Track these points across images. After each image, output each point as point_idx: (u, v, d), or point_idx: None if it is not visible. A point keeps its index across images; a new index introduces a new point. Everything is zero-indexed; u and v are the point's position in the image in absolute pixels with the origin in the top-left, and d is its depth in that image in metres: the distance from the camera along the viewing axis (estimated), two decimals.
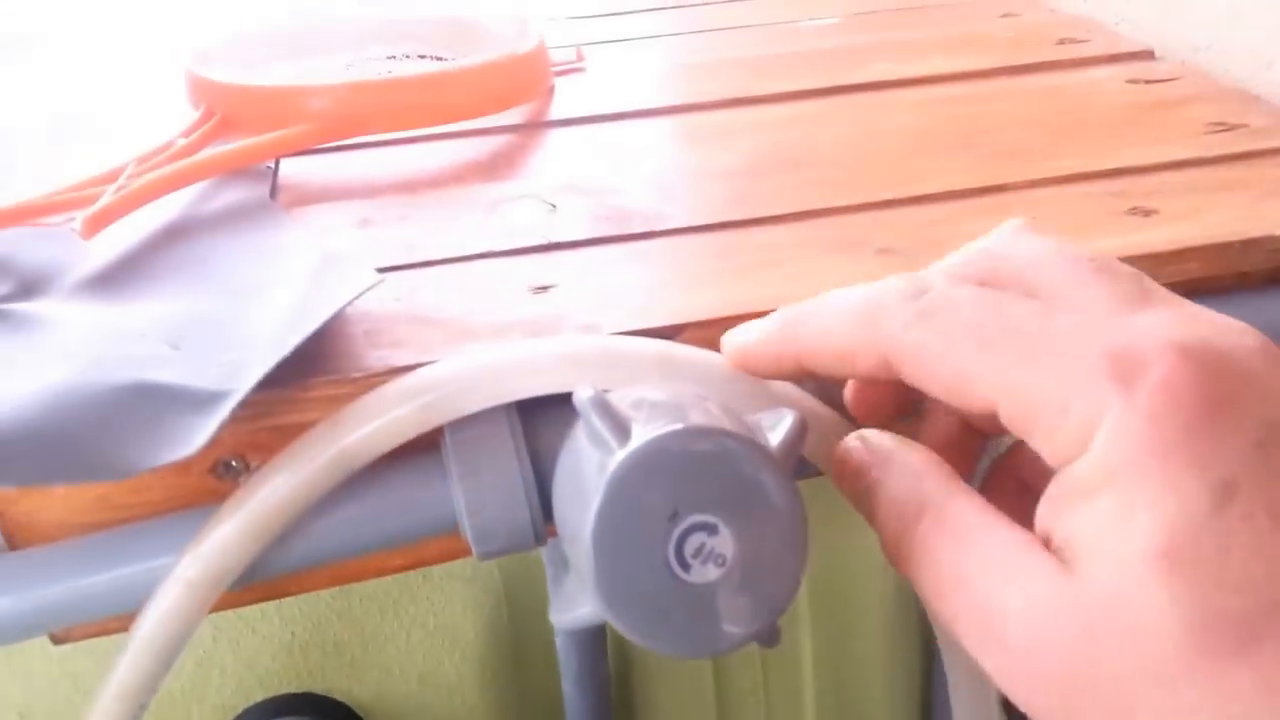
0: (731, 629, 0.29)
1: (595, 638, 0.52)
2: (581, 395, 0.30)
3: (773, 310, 0.33)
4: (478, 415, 0.36)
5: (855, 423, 0.35)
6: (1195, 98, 0.56)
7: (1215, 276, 0.43)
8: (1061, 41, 0.65)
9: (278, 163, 0.52)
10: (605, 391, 0.30)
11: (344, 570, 0.41)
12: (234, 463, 0.39)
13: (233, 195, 0.49)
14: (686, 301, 0.40)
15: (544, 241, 0.45)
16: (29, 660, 0.50)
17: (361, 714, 0.52)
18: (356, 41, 0.60)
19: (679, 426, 0.28)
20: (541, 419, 0.37)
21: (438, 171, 0.52)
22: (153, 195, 0.45)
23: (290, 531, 0.36)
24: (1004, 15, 0.71)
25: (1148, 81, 0.58)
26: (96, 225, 0.43)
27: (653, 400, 0.31)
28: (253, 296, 0.40)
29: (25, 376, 0.35)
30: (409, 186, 0.50)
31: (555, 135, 0.56)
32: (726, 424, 0.29)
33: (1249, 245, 0.43)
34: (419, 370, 0.35)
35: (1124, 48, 0.63)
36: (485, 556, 0.38)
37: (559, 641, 0.52)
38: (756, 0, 0.77)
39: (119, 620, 0.38)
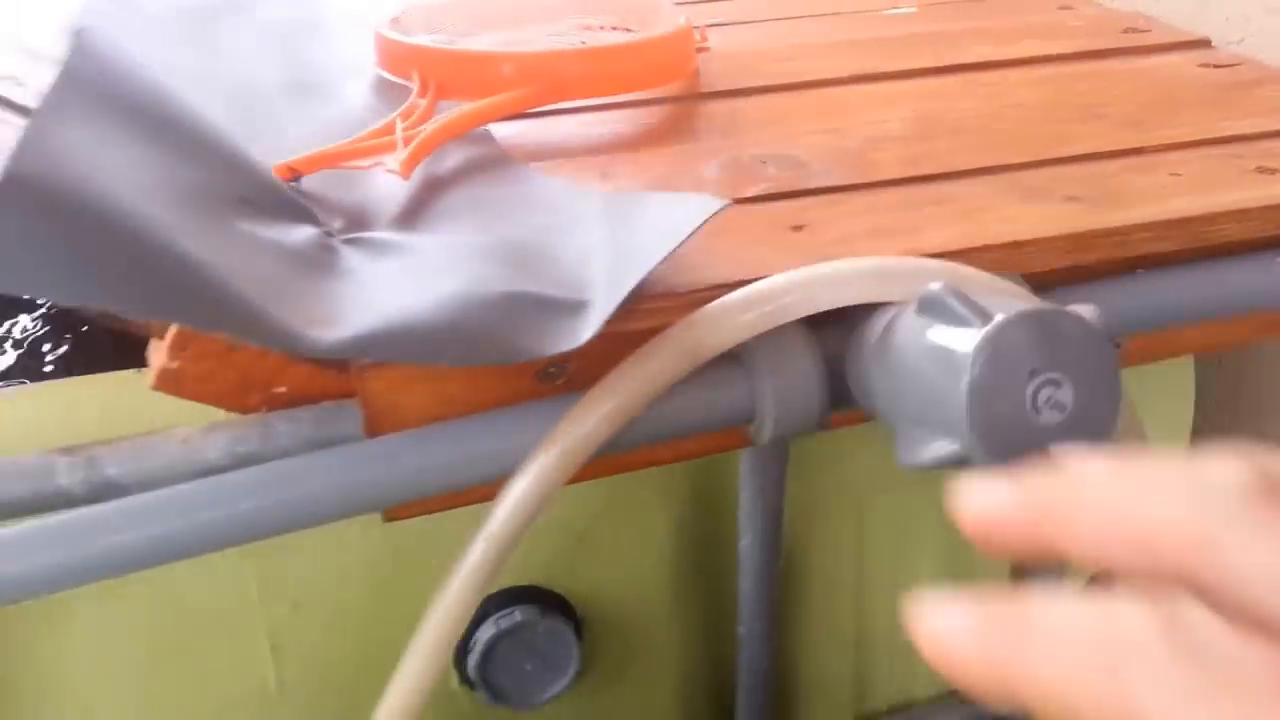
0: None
1: (772, 542, 0.61)
2: (936, 289, 0.39)
3: (1006, 243, 0.42)
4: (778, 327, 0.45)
5: None
6: (1262, 80, 0.67)
7: None
8: (1126, 30, 0.75)
9: None
10: None
11: (632, 459, 0.49)
12: (552, 369, 0.47)
13: (472, 152, 0.57)
14: (919, 241, 0.49)
15: (785, 190, 0.53)
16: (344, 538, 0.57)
17: (576, 605, 0.61)
18: (550, 13, 0.67)
19: (1032, 306, 0.38)
20: (826, 330, 0.46)
21: (635, 135, 0.61)
22: (442, 140, 0.54)
23: (640, 414, 0.44)
24: (1061, 8, 0.81)
25: (1216, 66, 0.69)
26: (411, 165, 0.51)
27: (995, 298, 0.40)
28: (565, 229, 0.49)
29: (417, 287, 0.43)
30: (623, 146, 0.59)
31: (718, 105, 0.65)
32: (1068, 307, 0.39)
33: None
34: (759, 283, 0.43)
35: (1182, 37, 0.74)
36: (775, 440, 0.47)
37: (741, 544, 0.61)
38: None
39: (449, 499, 0.46)
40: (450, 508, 0.48)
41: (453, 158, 0.56)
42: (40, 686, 0.56)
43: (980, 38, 0.74)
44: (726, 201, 0.46)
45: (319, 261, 0.45)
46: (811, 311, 0.44)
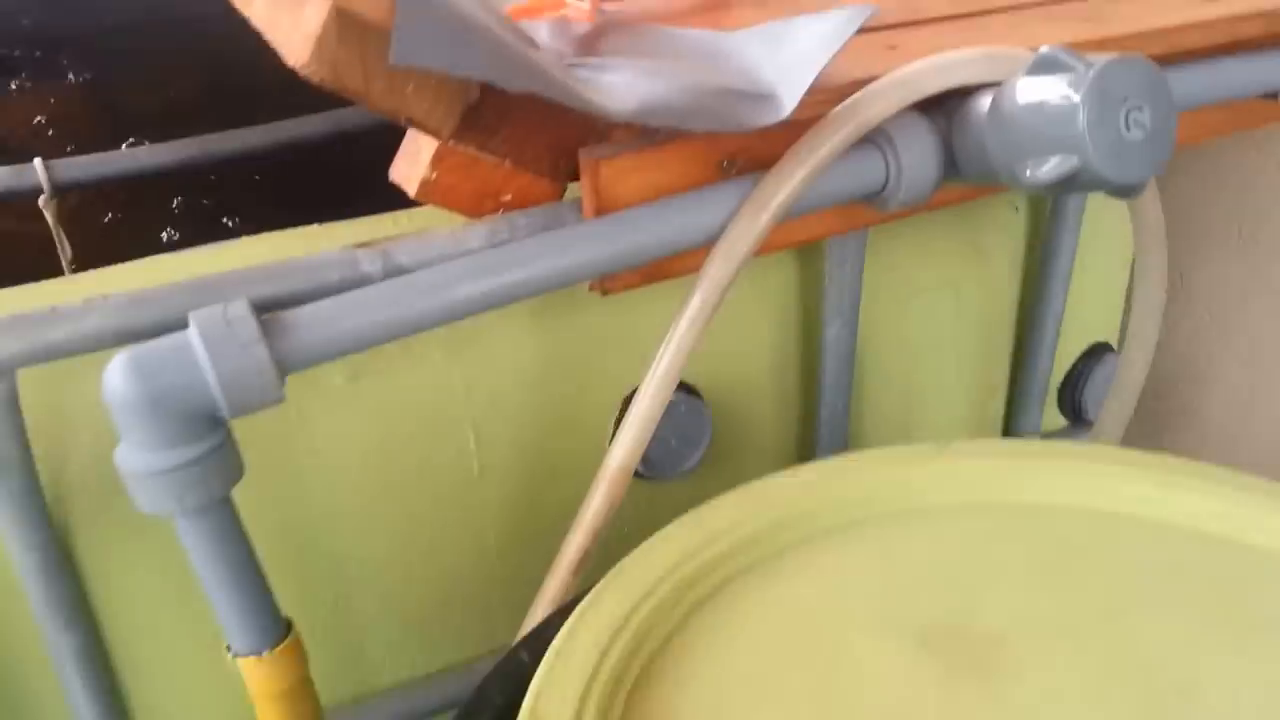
0: (1147, 171, 0.56)
1: (851, 330, 0.77)
2: (1047, 49, 0.56)
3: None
4: (898, 115, 0.61)
5: None
6: None
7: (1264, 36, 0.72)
8: None
9: None
10: None
11: (796, 237, 0.65)
12: (727, 163, 0.63)
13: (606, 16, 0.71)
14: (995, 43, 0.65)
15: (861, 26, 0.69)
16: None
17: (701, 389, 0.76)
18: None
19: (1119, 55, 0.55)
20: (937, 116, 0.62)
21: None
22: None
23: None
24: None
25: None
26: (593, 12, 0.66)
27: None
28: (724, 52, 0.64)
29: (652, 83, 0.58)
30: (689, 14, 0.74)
31: None
32: (1144, 58, 0.56)
33: None
34: (895, 71, 0.59)
35: None
36: (901, 206, 0.63)
37: (828, 333, 0.77)
38: None
39: (654, 270, 0.62)
40: (652, 280, 0.63)
41: (611, 28, 0.70)
42: (293, 477, 0.69)
43: None
44: (874, 8, 0.62)
45: (568, 73, 0.60)
46: (941, 88, 0.60)
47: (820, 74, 0.59)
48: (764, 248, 0.63)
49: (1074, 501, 0.54)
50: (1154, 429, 1.16)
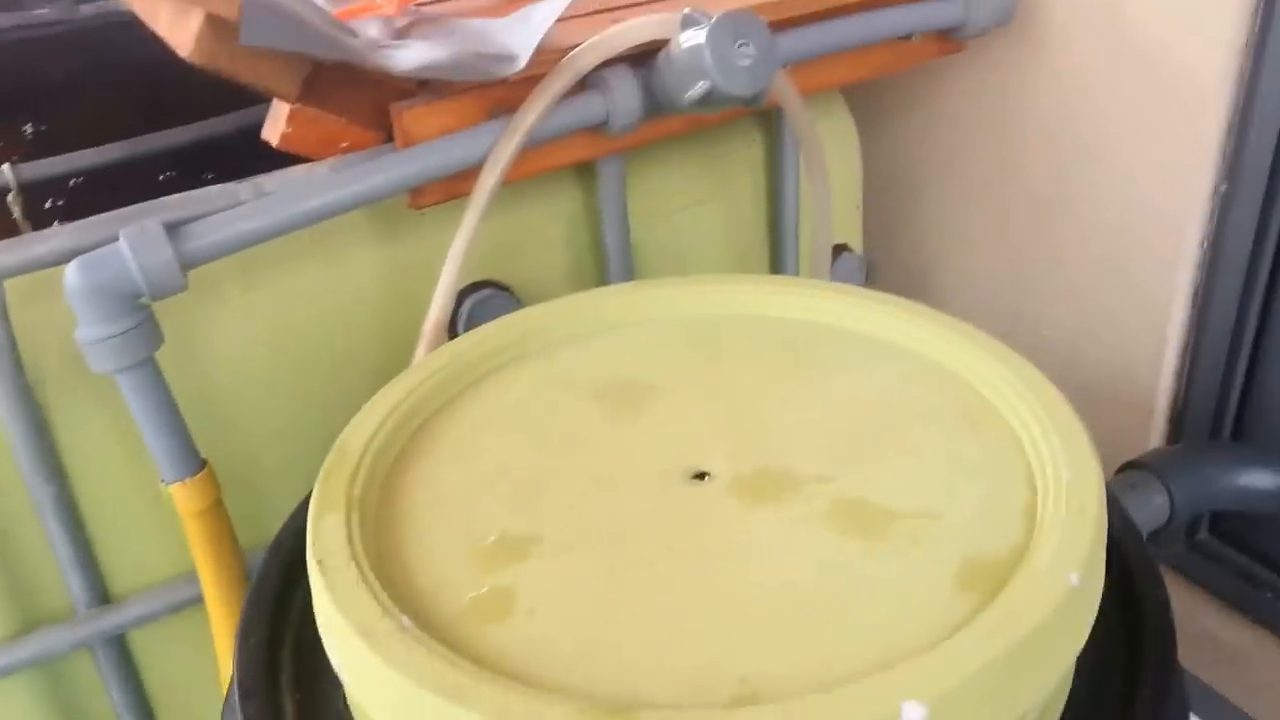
0: (758, 85, 0.84)
1: (622, 240, 1.05)
2: (687, 10, 0.84)
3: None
4: (607, 66, 0.89)
5: None
6: None
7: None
8: None
9: None
10: None
11: (544, 163, 0.93)
12: (494, 109, 0.90)
13: (412, 17, 0.99)
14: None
15: (598, 8, 0.98)
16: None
17: (512, 290, 1.03)
18: None
19: (728, 11, 0.83)
20: (642, 66, 0.90)
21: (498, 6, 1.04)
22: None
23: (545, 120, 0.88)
24: None
25: None
26: (399, 9, 0.94)
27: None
28: (490, 31, 0.92)
29: (434, 51, 0.86)
30: (489, 10, 1.02)
31: None
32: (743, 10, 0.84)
33: None
34: (599, 34, 0.87)
35: None
36: (619, 132, 0.91)
37: (606, 241, 1.04)
38: None
39: (450, 186, 0.88)
40: (451, 196, 0.90)
41: (408, 18, 0.98)
42: (205, 365, 0.94)
43: None
44: None
45: (374, 49, 0.87)
46: (633, 44, 0.87)
47: (548, 40, 0.87)
48: (539, 168, 0.92)
49: (727, 311, 0.81)
50: None
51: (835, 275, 1.16)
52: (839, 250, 1.17)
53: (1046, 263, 1.19)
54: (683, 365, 0.75)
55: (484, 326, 0.79)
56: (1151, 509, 0.90)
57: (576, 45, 0.88)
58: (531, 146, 0.88)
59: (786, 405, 0.70)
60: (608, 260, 1.04)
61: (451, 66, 0.83)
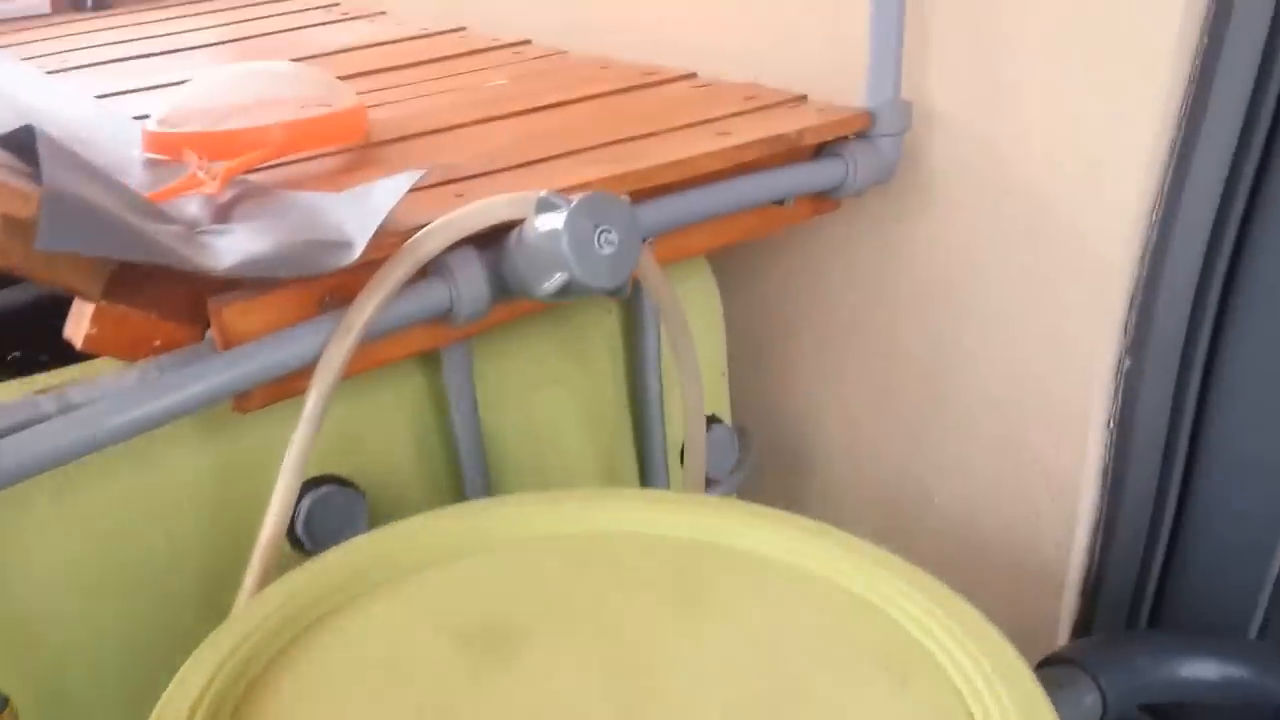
0: (621, 277, 0.76)
1: (473, 422, 0.96)
2: (542, 193, 0.76)
3: (575, 184, 0.82)
4: (455, 248, 0.80)
5: None
6: (730, 89, 1.10)
7: (768, 157, 0.95)
8: (645, 74, 1.17)
9: None
10: None
11: (382, 355, 0.84)
12: (326, 299, 0.81)
13: (247, 188, 0.90)
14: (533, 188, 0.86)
15: (442, 179, 0.90)
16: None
17: (356, 484, 0.93)
18: (270, 102, 1.01)
19: (587, 195, 0.75)
20: (489, 248, 0.82)
21: (340, 168, 0.96)
22: (231, 174, 0.87)
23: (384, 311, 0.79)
24: (601, 68, 1.23)
25: (701, 86, 1.12)
26: (222, 186, 0.84)
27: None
28: (322, 212, 0.83)
29: (256, 243, 0.77)
30: (334, 175, 0.94)
31: (390, 147, 1.01)
32: (607, 192, 0.77)
33: (776, 139, 0.95)
34: (443, 216, 0.79)
35: (680, 73, 1.17)
36: (464, 324, 0.82)
37: (455, 422, 0.95)
38: (438, 81, 1.23)
39: (279, 388, 0.79)
40: (280, 397, 0.81)
41: (232, 192, 0.89)
42: (9, 584, 0.83)
43: (551, 91, 1.13)
44: (422, 171, 0.81)
45: (191, 240, 0.78)
46: (479, 227, 0.79)
47: (388, 222, 0.78)
48: (376, 361, 0.83)
49: (606, 528, 0.73)
50: (792, 489, 1.37)
51: (711, 447, 1.08)
52: (709, 423, 1.10)
53: (936, 433, 1.14)
54: (558, 598, 0.67)
55: (324, 556, 0.70)
56: (1082, 709, 0.83)
57: (418, 227, 0.79)
58: (369, 340, 0.79)
59: (680, 653, 0.62)
60: (458, 450, 0.95)
61: (277, 260, 0.74)
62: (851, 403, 1.23)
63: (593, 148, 0.95)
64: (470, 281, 0.81)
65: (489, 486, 0.98)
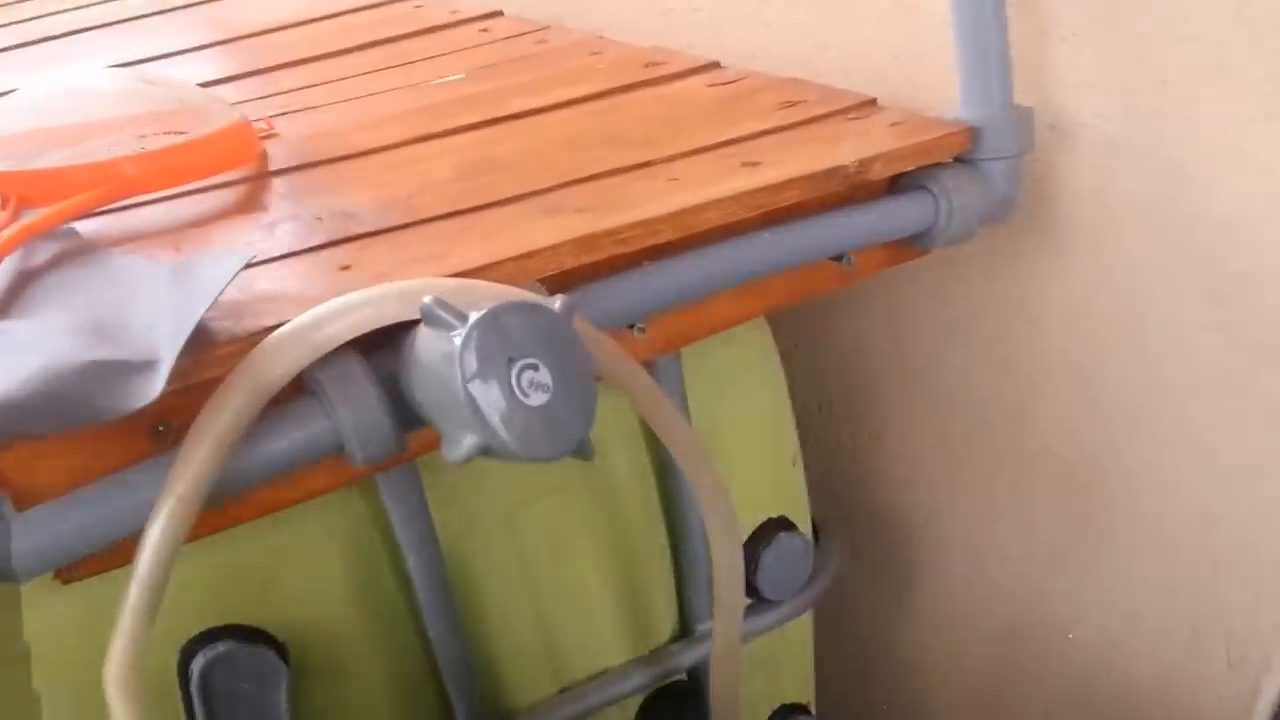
0: (565, 436, 0.47)
1: (432, 559, 0.68)
2: (426, 300, 0.47)
3: (520, 255, 0.52)
4: (335, 357, 0.52)
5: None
6: (762, 88, 0.79)
7: (809, 201, 0.66)
8: (647, 65, 0.88)
9: None
10: None
11: (261, 503, 0.57)
12: (161, 427, 0.54)
13: (59, 246, 0.63)
14: (456, 261, 0.57)
15: (328, 239, 0.61)
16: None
17: (278, 634, 0.66)
18: (107, 130, 0.73)
19: (500, 303, 0.46)
20: (384, 353, 0.53)
21: (208, 213, 0.68)
22: (23, 238, 0.61)
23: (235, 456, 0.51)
24: (590, 54, 0.94)
25: (723, 84, 0.81)
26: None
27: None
28: (137, 298, 0.55)
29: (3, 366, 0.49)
30: (197, 224, 0.66)
31: (285, 179, 0.72)
32: (530, 299, 0.47)
33: (828, 174, 0.66)
34: (299, 318, 0.51)
35: (695, 63, 0.87)
36: (368, 462, 0.54)
37: (409, 566, 0.67)
38: (379, 75, 0.95)
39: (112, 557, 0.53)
40: (115, 566, 0.54)
41: (41, 254, 0.62)
42: None
43: (519, 92, 0.85)
44: (246, 257, 0.53)
45: None
46: (345, 338, 0.51)
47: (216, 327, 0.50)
48: (260, 509, 0.59)
49: None
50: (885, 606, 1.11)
51: (765, 562, 0.82)
52: (775, 529, 0.83)
53: (1079, 558, 0.90)
54: None
55: None
56: None
57: (268, 328, 0.52)
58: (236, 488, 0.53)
59: None
60: (414, 589, 0.69)
61: (36, 404, 0.47)
62: (969, 504, 0.99)
63: (559, 186, 0.67)
64: (358, 409, 0.52)
65: (460, 636, 0.72)
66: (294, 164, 0.75)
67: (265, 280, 0.58)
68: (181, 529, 0.50)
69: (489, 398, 0.46)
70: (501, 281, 0.56)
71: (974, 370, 0.92)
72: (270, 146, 0.78)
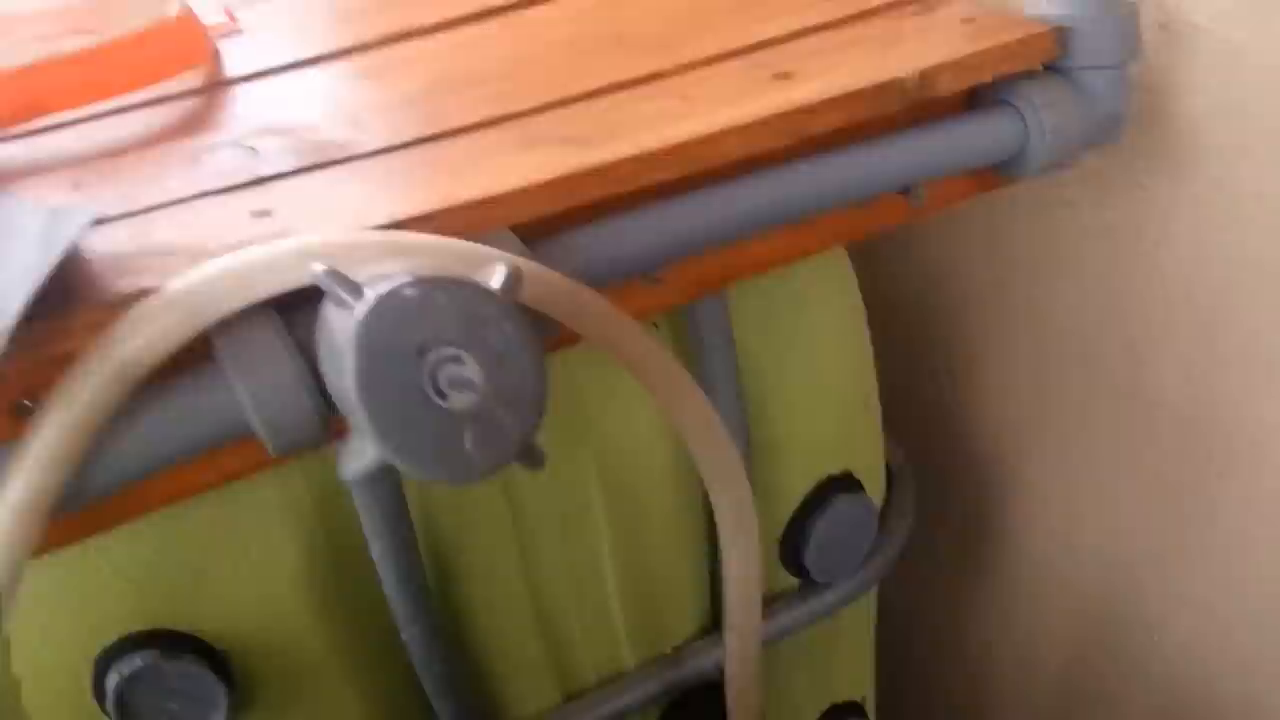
0: (499, 447, 0.35)
1: (404, 542, 0.57)
2: (317, 269, 0.35)
3: (483, 199, 0.39)
4: (244, 320, 0.41)
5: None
6: None
7: (858, 124, 0.53)
8: None
9: None
10: None
11: (162, 493, 0.46)
12: (27, 402, 0.43)
13: None
14: (403, 205, 0.46)
15: (253, 177, 0.49)
16: None
17: (213, 642, 0.56)
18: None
19: (407, 277, 0.34)
20: (306, 318, 0.42)
21: (133, 137, 0.56)
22: None
23: (94, 454, 0.40)
24: None
25: None
26: None
27: (386, 270, 0.37)
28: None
29: None
30: (110, 153, 0.55)
31: (235, 91, 0.61)
32: (449, 273, 0.35)
33: (881, 90, 0.52)
34: (175, 280, 0.39)
35: None
36: (281, 450, 0.43)
37: (374, 553, 0.56)
38: None
39: None
40: None
41: None
42: None
43: None
44: (90, 216, 0.43)
45: None
46: (235, 308, 0.40)
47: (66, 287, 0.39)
48: (153, 502, 0.47)
49: None
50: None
51: (827, 536, 0.70)
52: (834, 487, 0.71)
53: (1192, 533, 0.78)
54: None
55: None
56: None
57: (136, 293, 0.41)
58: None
59: None
60: (382, 580, 0.58)
61: None
62: (1061, 454, 0.87)
63: (545, 108, 0.54)
64: (268, 386, 0.41)
65: (440, 638, 0.61)
66: (251, 71, 0.62)
67: (166, 228, 0.47)
68: (20, 541, 0.40)
69: (386, 400, 0.34)
70: (462, 233, 0.44)
71: (1082, 303, 0.80)
72: (228, 45, 0.66)
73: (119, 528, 0.48)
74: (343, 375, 0.35)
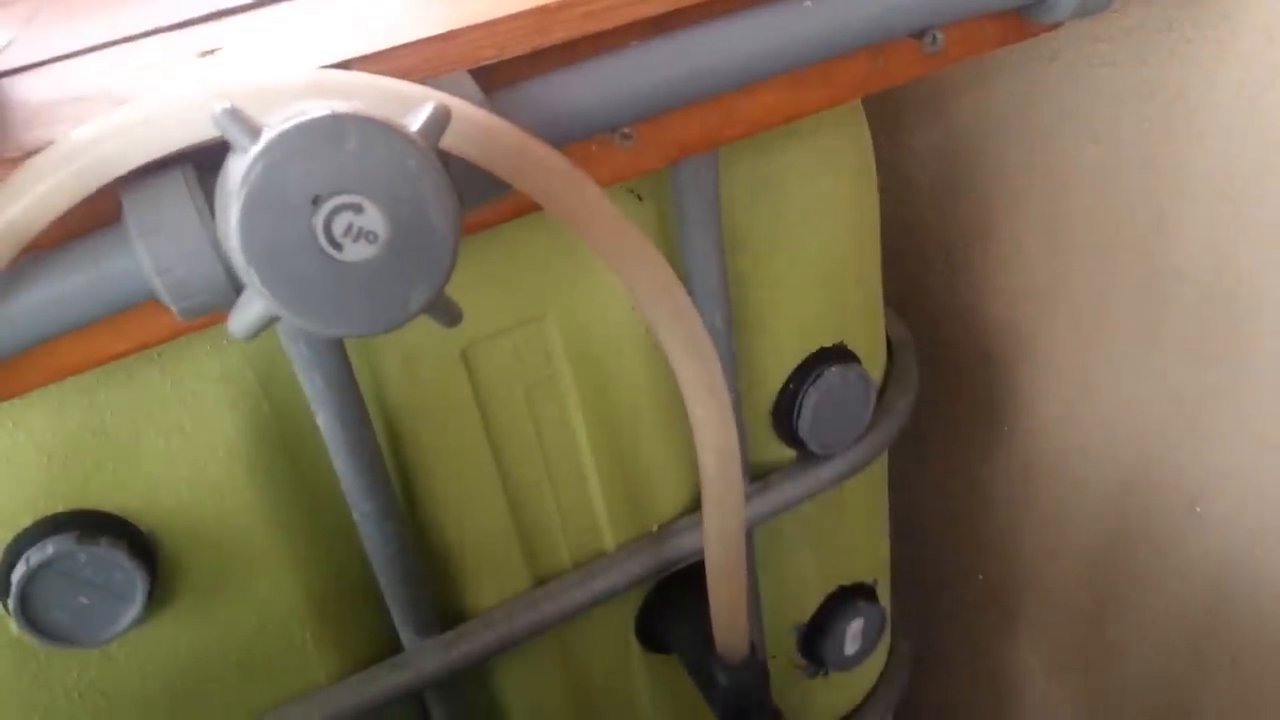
0: (403, 300, 0.33)
1: (354, 410, 0.54)
2: (215, 108, 0.32)
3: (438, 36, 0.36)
4: (152, 176, 0.38)
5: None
6: None
7: None
8: None
9: None
10: None
11: (68, 361, 0.44)
12: None
13: None
14: (355, 43, 0.43)
15: (211, 11, 0.46)
16: None
17: (139, 523, 0.54)
18: None
19: (304, 118, 0.31)
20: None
21: None
22: None
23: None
24: None
25: None
26: None
27: (299, 109, 0.33)
28: None
29: None
30: None
31: None
32: (359, 112, 0.32)
33: None
34: (75, 132, 0.37)
35: None
36: (188, 314, 0.40)
37: (320, 422, 0.54)
38: None
39: None
40: None
41: None
42: None
43: None
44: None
45: None
46: (136, 164, 0.37)
47: None
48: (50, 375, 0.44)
49: None
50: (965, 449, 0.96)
51: (821, 404, 0.67)
52: (830, 357, 0.69)
53: (1214, 407, 0.75)
54: None
55: None
56: None
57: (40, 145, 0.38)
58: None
59: None
60: (331, 453, 0.55)
61: None
62: (1078, 333, 0.83)
63: None
64: (173, 245, 0.39)
65: (394, 519, 0.57)
66: None
67: (102, 70, 0.44)
68: None
69: (270, 249, 0.31)
70: (415, 76, 0.41)
71: (1111, 167, 0.76)
72: None
73: (42, 401, 0.46)
74: (229, 223, 0.32)
